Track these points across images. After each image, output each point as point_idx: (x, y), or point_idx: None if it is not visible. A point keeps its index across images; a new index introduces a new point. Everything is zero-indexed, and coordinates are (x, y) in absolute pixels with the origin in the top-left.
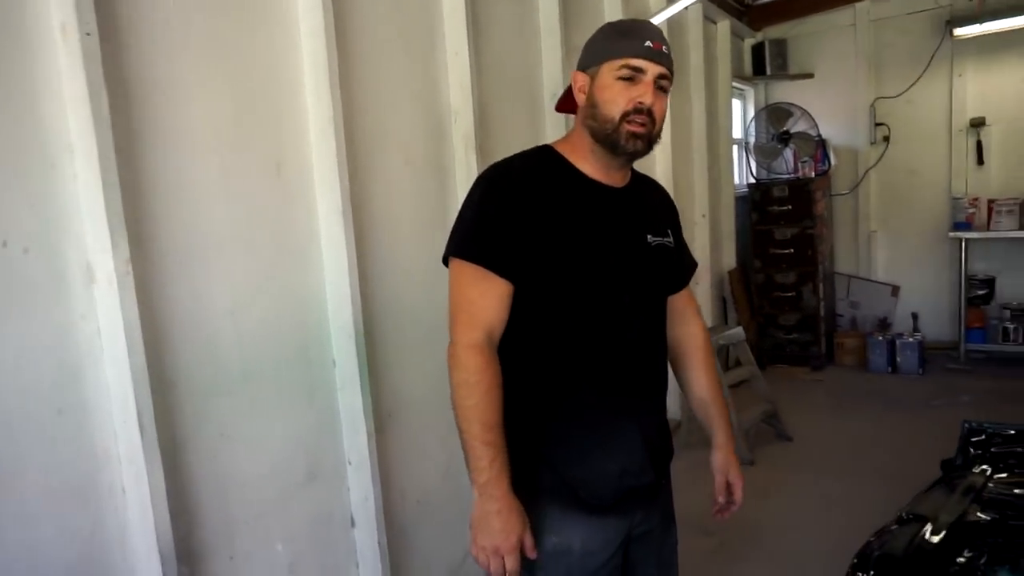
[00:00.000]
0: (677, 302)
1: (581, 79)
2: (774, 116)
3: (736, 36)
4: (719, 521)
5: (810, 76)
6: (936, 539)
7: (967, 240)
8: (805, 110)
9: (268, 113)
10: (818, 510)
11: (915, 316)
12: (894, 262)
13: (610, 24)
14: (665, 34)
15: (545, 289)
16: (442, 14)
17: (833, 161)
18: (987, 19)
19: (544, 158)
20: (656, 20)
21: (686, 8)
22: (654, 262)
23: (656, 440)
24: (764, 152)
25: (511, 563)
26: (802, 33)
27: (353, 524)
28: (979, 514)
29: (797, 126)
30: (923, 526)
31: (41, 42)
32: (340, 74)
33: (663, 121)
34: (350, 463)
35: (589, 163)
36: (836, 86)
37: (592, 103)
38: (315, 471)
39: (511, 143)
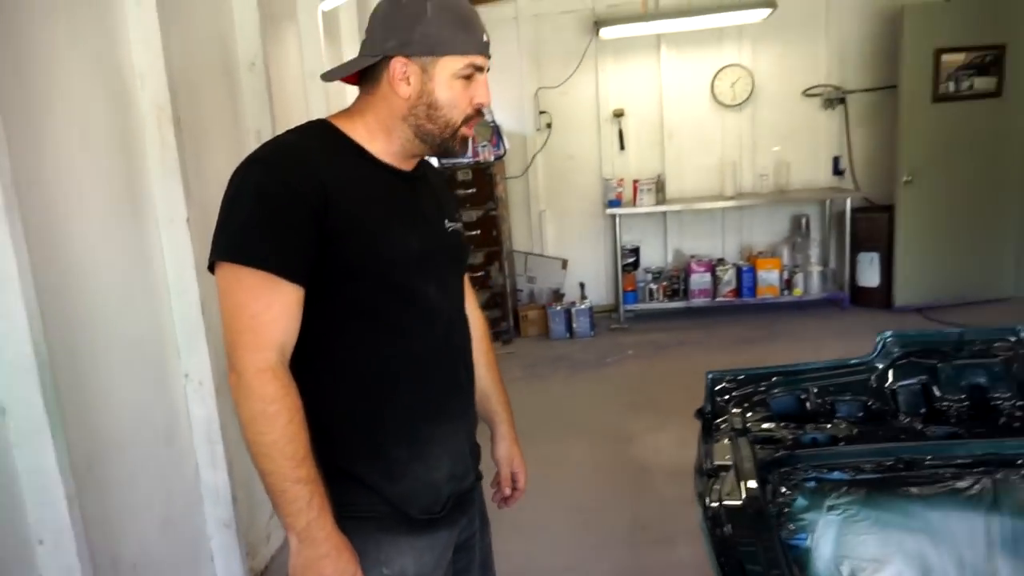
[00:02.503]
0: None
1: (404, 68)
2: None
3: None
4: (503, 508)
5: None
6: (753, 483)
7: (619, 216)
8: None
9: None
10: (545, 474)
11: (582, 285)
12: (562, 238)
13: (439, 4)
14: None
15: (344, 287)
16: None
17: (507, 145)
18: (649, 19)
19: (327, 137)
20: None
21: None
22: (453, 249)
23: (472, 439)
24: None
25: None
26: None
27: None
28: (758, 452)
29: None
30: (729, 473)
31: None
32: None
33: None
34: (40, 543)
35: (383, 147)
36: (504, 75)
37: (428, 103)
38: None
39: (214, 118)
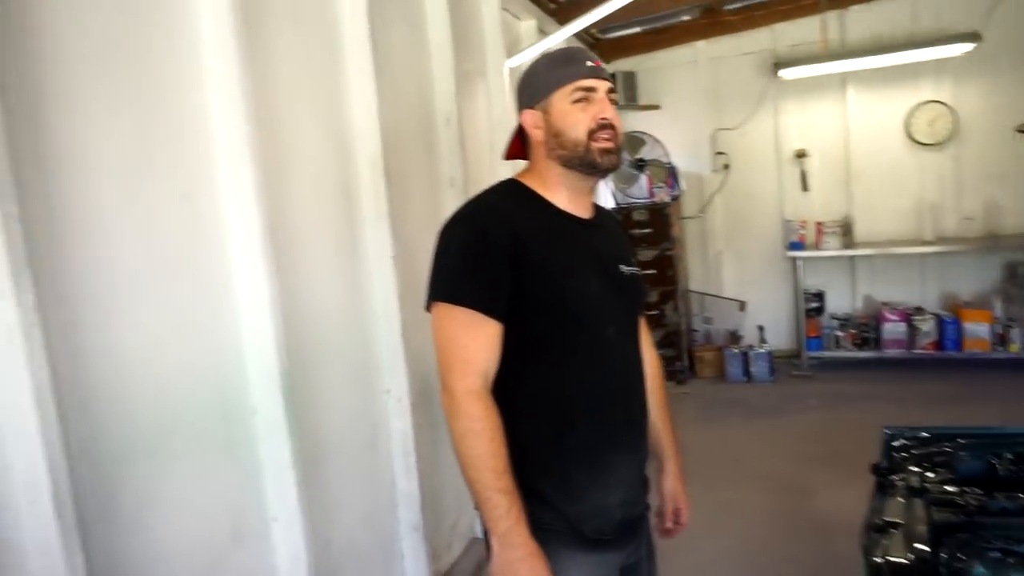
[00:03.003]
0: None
1: (532, 117)
2: (629, 144)
3: None
4: (664, 539)
5: (657, 107)
6: (922, 545)
7: (801, 259)
8: (656, 138)
9: (175, 135)
10: (716, 518)
11: (761, 329)
12: (740, 279)
13: (544, 56)
14: None
15: (535, 325)
16: (343, 32)
17: (683, 187)
18: (826, 60)
19: (517, 193)
20: (529, 54)
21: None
22: (630, 292)
23: (643, 470)
24: (622, 178)
25: None
26: (650, 67)
27: None
28: (935, 514)
29: (650, 153)
30: (899, 531)
31: None
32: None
33: (623, 133)
34: (276, 520)
35: (560, 195)
36: (681, 117)
37: (554, 133)
38: (241, 532)
39: (415, 168)
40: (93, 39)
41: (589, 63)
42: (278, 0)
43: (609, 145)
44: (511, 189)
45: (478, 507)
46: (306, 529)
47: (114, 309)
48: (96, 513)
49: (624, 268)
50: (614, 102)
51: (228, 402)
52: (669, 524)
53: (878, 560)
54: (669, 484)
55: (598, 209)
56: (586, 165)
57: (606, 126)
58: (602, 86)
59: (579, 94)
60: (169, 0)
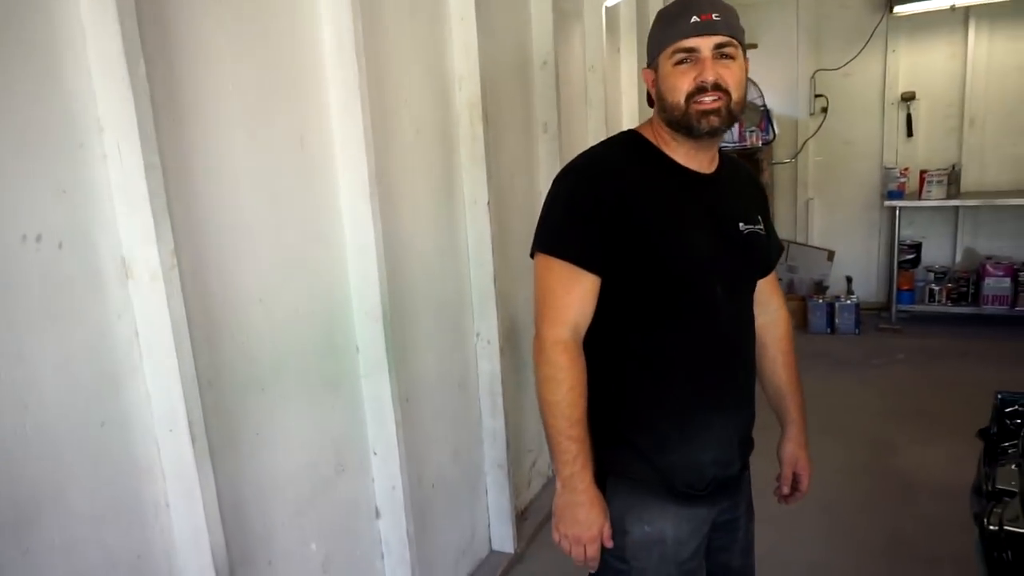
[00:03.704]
0: (763, 287)
1: (648, 76)
2: None
3: None
4: (781, 505)
5: (754, 46)
6: None
7: (900, 208)
8: (752, 79)
9: (290, 82)
10: None
11: (849, 279)
12: (829, 228)
13: (661, 11)
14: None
15: (637, 281)
16: None
17: (776, 131)
18: None
19: (632, 146)
20: None
21: None
22: (746, 251)
23: (744, 432)
24: None
25: (592, 551)
26: (748, 3)
27: (378, 515)
28: None
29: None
30: (1015, 499)
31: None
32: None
33: (742, 86)
34: (375, 453)
35: (675, 150)
36: (779, 57)
37: (660, 95)
38: (344, 463)
39: (509, 113)
40: None
41: (695, 18)
42: None
43: (710, 107)
44: (628, 141)
45: (550, 450)
46: (402, 463)
47: (236, 251)
48: (221, 440)
49: (743, 226)
50: (729, 56)
51: (334, 341)
52: (786, 490)
53: (994, 528)
54: (789, 449)
55: (724, 162)
56: (685, 128)
57: (705, 88)
58: (706, 44)
59: (680, 55)
60: None
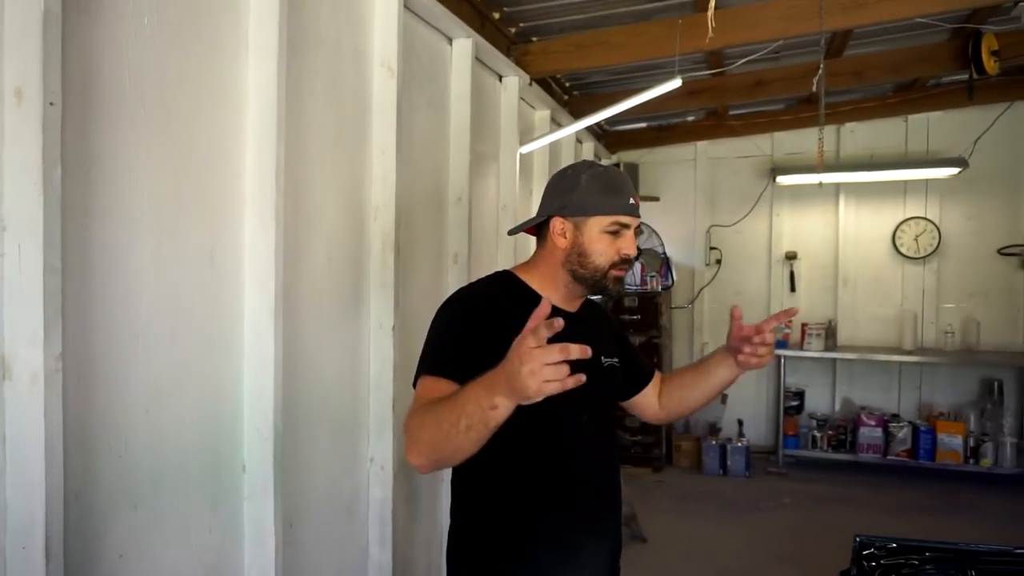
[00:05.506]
0: (650, 389)
1: (562, 225)
2: None
3: (596, 157)
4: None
5: (656, 199)
6: None
7: (784, 357)
8: (653, 229)
9: (208, 196)
10: None
11: (740, 422)
12: None
13: (592, 175)
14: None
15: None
16: (372, 114)
17: (675, 277)
18: (828, 171)
19: (506, 284)
20: (542, 142)
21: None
22: (606, 382)
23: (613, 556)
24: None
25: (549, 371)
26: (651, 161)
27: None
28: None
29: (647, 243)
30: None
31: None
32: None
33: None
34: None
35: (554, 292)
36: (678, 212)
37: (579, 252)
38: None
39: (422, 243)
40: (148, 104)
41: (631, 200)
42: (319, 75)
43: (623, 275)
44: (502, 280)
45: (469, 430)
46: None
47: (127, 357)
48: (79, 560)
49: (604, 359)
50: (638, 233)
51: (220, 457)
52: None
53: None
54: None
55: (584, 302)
56: (597, 289)
57: (629, 260)
58: (634, 222)
59: (614, 227)
60: (220, 72)
